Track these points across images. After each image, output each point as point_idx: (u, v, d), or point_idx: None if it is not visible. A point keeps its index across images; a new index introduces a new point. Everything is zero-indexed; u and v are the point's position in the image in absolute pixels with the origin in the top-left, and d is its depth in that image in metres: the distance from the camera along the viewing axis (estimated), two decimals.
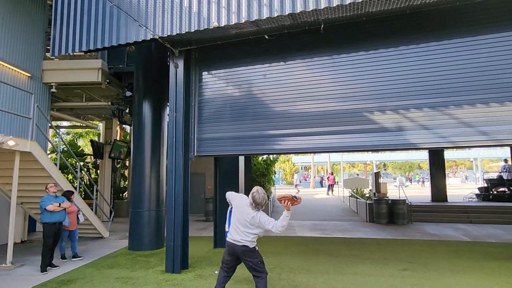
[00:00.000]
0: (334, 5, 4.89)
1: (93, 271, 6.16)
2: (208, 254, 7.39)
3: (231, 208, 4.34)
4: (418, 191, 24.04)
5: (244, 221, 3.97)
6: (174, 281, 5.52)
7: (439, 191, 15.45)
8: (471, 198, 16.30)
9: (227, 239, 4.17)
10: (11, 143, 6.22)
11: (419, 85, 5.44)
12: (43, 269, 6.06)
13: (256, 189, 4.01)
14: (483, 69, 5.15)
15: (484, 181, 16.85)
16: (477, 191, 16.52)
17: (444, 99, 5.30)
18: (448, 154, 30.09)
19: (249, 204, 3.95)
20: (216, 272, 5.93)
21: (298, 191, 28.52)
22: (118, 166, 15.84)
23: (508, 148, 15.31)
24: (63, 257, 7.01)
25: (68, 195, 6.95)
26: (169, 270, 6.01)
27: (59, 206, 6.30)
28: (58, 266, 6.38)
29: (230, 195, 4.39)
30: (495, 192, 15.43)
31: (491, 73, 5.12)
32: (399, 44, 5.59)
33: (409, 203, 12.42)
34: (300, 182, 36.12)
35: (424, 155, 31.21)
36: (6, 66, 8.42)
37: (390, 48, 5.64)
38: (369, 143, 5.63)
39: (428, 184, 21.19)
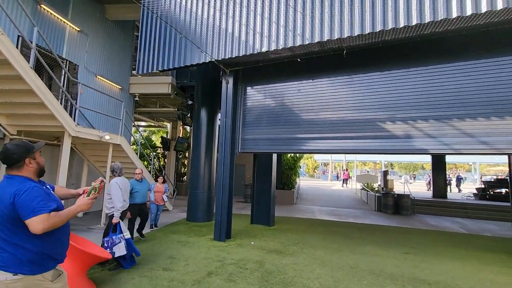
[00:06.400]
0: (355, 35, 4.74)
1: (160, 235, 6.50)
2: (246, 229, 7.50)
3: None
4: (421, 188, 22.58)
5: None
6: (220, 247, 5.67)
7: (439, 189, 14.45)
8: (469, 197, 15.05)
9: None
10: (107, 137, 6.74)
11: (425, 100, 5.12)
12: None
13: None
14: (484, 87, 4.74)
15: (482, 183, 15.48)
16: (475, 191, 15.22)
17: (448, 112, 4.94)
18: (449, 158, 27.70)
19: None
20: (253, 243, 6.03)
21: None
22: (180, 156, 16.50)
23: (505, 156, 13.93)
24: (155, 225, 7.09)
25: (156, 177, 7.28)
26: (216, 238, 6.18)
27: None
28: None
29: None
30: (491, 193, 14.13)
31: (491, 91, 4.69)
32: (409, 65, 5.29)
33: (413, 197, 11.74)
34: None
35: (427, 158, 29.10)
36: (105, 81, 9.11)
37: (401, 69, 5.36)
38: (380, 148, 5.40)
39: (418, 180, 19.81)
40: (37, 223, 1.55)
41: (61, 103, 6.85)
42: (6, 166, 1.72)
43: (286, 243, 6.08)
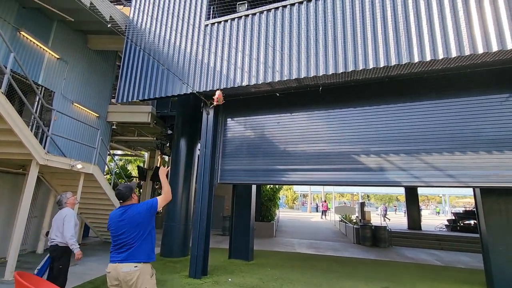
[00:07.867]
0: (330, 73, 5.09)
1: None
2: (224, 264, 7.13)
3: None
4: (395, 219, 23.00)
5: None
6: (195, 285, 5.31)
7: (414, 221, 14.78)
8: (441, 228, 15.48)
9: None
10: (79, 166, 6.41)
11: (396, 135, 5.43)
12: None
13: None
14: (448, 125, 5.13)
15: (452, 214, 16.07)
16: (447, 222, 15.72)
17: (417, 147, 5.24)
18: (421, 190, 28.90)
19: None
20: (230, 279, 5.72)
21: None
22: (156, 187, 15.89)
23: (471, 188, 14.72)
24: None
25: None
26: (191, 275, 5.81)
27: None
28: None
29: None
30: (462, 224, 14.65)
31: (454, 128, 5.09)
32: (380, 103, 5.66)
33: (389, 230, 11.88)
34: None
35: (401, 190, 30.14)
36: (82, 109, 8.88)
37: (373, 106, 5.71)
38: (356, 180, 5.53)
39: (400, 212, 20.19)
40: (159, 202, 2.73)
41: (32, 130, 6.53)
42: (121, 201, 2.71)
43: (265, 279, 5.82)
